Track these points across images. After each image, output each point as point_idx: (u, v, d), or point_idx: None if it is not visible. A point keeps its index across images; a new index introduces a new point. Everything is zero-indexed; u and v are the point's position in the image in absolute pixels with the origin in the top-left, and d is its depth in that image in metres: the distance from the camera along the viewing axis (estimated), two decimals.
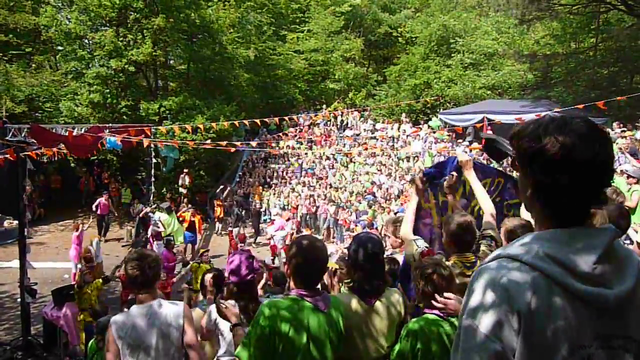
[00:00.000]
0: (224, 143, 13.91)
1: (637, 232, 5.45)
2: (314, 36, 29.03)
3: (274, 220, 16.40)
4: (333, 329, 2.54)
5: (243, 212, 17.54)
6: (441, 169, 4.05)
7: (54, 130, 12.10)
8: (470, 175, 3.70)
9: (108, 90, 18.86)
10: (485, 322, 1.20)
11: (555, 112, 15.23)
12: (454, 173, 3.80)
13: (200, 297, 5.28)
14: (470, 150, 16.99)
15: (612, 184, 8.11)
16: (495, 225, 3.38)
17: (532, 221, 1.43)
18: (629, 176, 8.39)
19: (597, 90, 17.59)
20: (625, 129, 13.28)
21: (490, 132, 16.97)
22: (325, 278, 3.89)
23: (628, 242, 5.11)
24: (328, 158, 20.81)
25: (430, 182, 3.98)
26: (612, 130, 13.84)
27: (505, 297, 1.19)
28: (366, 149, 20.21)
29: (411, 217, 3.67)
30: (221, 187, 18.79)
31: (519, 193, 1.43)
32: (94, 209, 17.02)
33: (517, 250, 1.26)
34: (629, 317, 1.22)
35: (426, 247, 3.37)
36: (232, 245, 12.89)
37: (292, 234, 14.31)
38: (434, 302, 2.66)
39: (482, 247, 3.23)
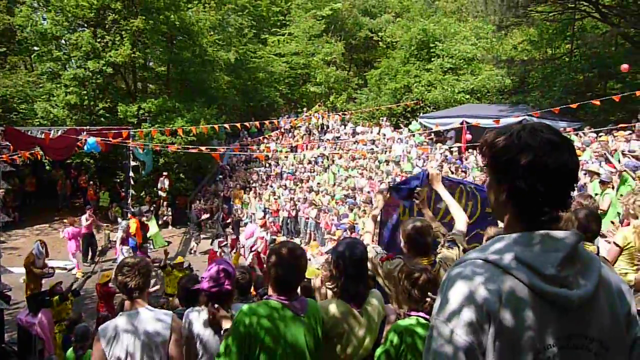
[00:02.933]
0: (205, 148, 13.76)
1: (613, 233, 5.56)
2: (295, 39, 29.08)
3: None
4: (311, 334, 2.55)
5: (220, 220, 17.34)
6: (412, 182, 4.23)
7: (29, 133, 11.87)
8: (439, 188, 3.96)
9: (85, 92, 18.57)
10: (457, 324, 1.23)
11: (531, 115, 15.53)
12: (419, 188, 4.01)
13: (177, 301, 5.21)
14: (451, 153, 17.19)
15: (587, 188, 8.25)
16: (463, 234, 3.56)
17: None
18: (601, 181, 8.58)
19: (573, 95, 17.92)
20: (601, 133, 13.56)
21: (469, 135, 17.16)
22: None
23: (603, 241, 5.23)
24: (310, 162, 20.80)
25: (403, 195, 4.16)
26: (585, 134, 14.11)
27: (477, 299, 1.23)
28: (347, 151, 20.27)
29: (371, 226, 3.96)
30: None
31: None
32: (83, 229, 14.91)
33: (488, 254, 1.30)
34: (590, 317, 1.27)
35: (384, 253, 3.52)
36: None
37: (264, 239, 14.18)
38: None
39: (443, 249, 3.36)
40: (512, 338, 1.21)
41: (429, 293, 2.70)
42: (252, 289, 4.97)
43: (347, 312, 2.82)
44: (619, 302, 1.32)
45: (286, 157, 21.62)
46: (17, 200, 19.10)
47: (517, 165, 1.29)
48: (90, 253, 15.02)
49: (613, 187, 8.56)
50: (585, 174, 10.21)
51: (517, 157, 1.29)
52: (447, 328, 1.25)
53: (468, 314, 1.23)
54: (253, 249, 13.03)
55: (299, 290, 3.95)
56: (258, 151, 21.14)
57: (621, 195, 7.75)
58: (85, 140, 13.26)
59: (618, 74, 18.12)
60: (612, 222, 6.59)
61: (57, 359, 7.94)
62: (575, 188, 1.43)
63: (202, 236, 16.93)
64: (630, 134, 12.15)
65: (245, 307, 2.58)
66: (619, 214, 7.91)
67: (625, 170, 8.75)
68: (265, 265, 2.72)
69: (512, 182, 1.31)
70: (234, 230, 16.39)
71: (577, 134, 14.34)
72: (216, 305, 3.11)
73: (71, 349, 5.83)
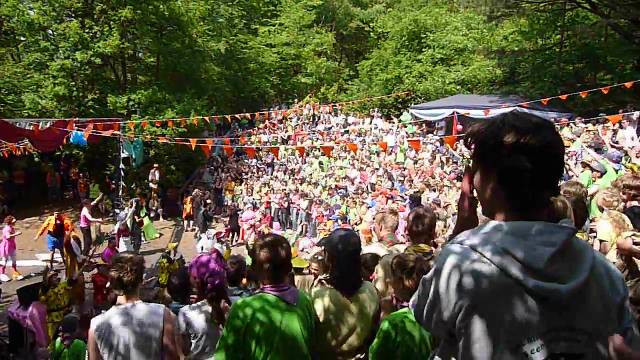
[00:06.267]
0: (194, 141, 13.57)
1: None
2: (286, 30, 28.93)
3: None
4: (304, 323, 2.59)
5: (209, 211, 17.20)
6: None
7: (17, 125, 11.73)
8: None
9: (74, 83, 18.34)
10: (437, 285, 1.33)
11: (521, 106, 15.60)
12: None
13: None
14: (442, 144, 17.24)
15: (577, 177, 8.33)
16: None
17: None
18: (592, 170, 8.66)
19: (563, 86, 18.01)
20: (589, 124, 13.66)
21: (460, 125, 17.24)
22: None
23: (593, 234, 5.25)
24: (301, 154, 20.73)
25: None
26: (576, 125, 14.21)
27: (464, 283, 1.26)
28: (338, 142, 20.26)
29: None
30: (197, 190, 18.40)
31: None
32: (82, 223, 14.57)
33: (477, 241, 1.31)
34: (579, 309, 1.27)
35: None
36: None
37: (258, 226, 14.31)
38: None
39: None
40: (494, 327, 1.23)
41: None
42: (244, 279, 4.99)
43: (338, 301, 2.85)
44: (610, 292, 1.31)
45: (278, 148, 21.53)
46: (7, 193, 18.90)
47: (503, 146, 1.30)
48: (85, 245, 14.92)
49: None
50: (575, 164, 10.32)
51: (503, 139, 1.30)
52: (428, 284, 1.36)
53: (454, 294, 1.28)
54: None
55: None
56: (249, 142, 21.04)
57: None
58: (73, 132, 13.12)
59: (607, 64, 18.23)
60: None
61: (46, 350, 7.91)
62: (564, 174, 1.45)
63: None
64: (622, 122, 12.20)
65: (239, 300, 2.61)
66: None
67: (603, 160, 8.87)
68: (252, 259, 2.74)
69: (500, 164, 1.32)
70: (231, 221, 16.40)
71: (568, 125, 14.43)
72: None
73: (59, 339, 5.82)
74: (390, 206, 10.74)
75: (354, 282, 2.93)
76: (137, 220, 15.02)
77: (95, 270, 10.06)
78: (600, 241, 4.54)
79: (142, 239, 15.70)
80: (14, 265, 12.54)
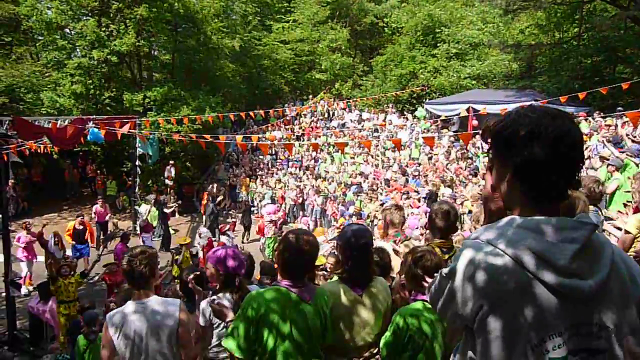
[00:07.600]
0: (209, 137, 13.60)
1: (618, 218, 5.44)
2: (300, 26, 28.92)
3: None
4: (318, 318, 2.60)
5: (218, 209, 17.26)
6: None
7: (36, 123, 11.90)
8: None
9: (91, 81, 18.59)
10: (455, 282, 1.32)
11: (537, 101, 15.39)
12: None
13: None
14: (457, 139, 17.09)
15: (595, 172, 8.20)
16: None
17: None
18: (609, 164, 8.54)
19: (580, 80, 17.73)
20: (607, 117, 13.39)
21: (475, 121, 17.08)
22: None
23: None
24: (315, 149, 20.75)
25: None
26: (594, 119, 13.96)
27: (480, 280, 1.25)
28: (353, 139, 20.22)
29: None
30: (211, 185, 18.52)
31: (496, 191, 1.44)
32: (93, 217, 15.33)
33: (496, 237, 1.29)
34: (599, 304, 1.25)
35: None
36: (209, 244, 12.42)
37: (279, 221, 14.36)
38: (424, 283, 2.71)
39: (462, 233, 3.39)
40: (513, 324, 1.22)
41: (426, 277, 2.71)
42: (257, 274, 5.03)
43: (350, 295, 2.86)
44: (630, 286, 1.30)
45: (293, 145, 21.59)
46: (26, 190, 19.26)
47: (517, 137, 1.28)
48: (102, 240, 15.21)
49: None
50: (589, 158, 10.16)
51: (518, 129, 1.28)
52: (445, 281, 1.35)
53: (471, 291, 1.26)
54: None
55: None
56: (264, 139, 21.10)
57: (629, 177, 7.69)
58: (89, 130, 13.26)
59: (627, 57, 17.87)
60: (625, 205, 6.38)
61: (57, 346, 8.04)
62: (584, 168, 1.42)
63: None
64: None
65: (253, 291, 2.63)
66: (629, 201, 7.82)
67: (628, 156, 8.71)
68: (277, 251, 2.76)
69: (515, 156, 1.29)
70: (244, 217, 16.46)
71: (586, 119, 14.19)
72: (213, 301, 3.18)
73: (81, 335, 5.91)
74: (391, 202, 10.67)
75: (366, 275, 2.94)
76: (168, 216, 15.14)
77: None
78: (627, 232, 4.37)
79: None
80: (30, 276, 12.25)
